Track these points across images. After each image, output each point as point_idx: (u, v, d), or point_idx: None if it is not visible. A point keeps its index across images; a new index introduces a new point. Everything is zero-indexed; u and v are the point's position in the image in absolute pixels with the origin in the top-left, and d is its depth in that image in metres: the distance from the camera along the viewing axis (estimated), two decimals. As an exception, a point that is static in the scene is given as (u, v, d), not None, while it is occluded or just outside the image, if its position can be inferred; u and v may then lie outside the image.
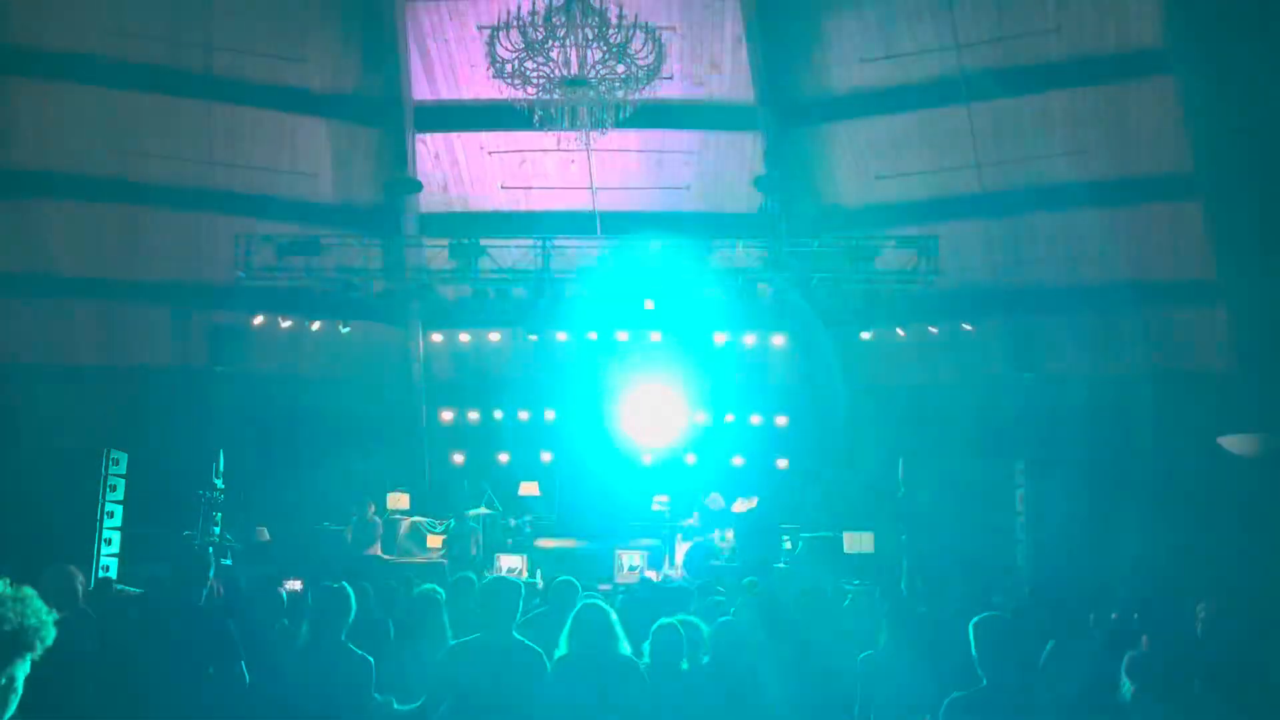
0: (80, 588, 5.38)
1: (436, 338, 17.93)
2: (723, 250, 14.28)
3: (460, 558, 15.15)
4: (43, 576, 5.34)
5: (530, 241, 14.59)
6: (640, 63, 10.47)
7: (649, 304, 14.78)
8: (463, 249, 14.16)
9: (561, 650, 4.97)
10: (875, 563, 14.64)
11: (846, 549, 14.97)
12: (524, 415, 18.43)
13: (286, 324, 16.33)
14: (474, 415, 18.39)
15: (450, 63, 15.50)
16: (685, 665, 5.38)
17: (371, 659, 4.94)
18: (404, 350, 17.80)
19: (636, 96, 10.89)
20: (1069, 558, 11.69)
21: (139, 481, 13.43)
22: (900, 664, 5.82)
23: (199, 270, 16.23)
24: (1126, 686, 4.66)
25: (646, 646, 5.33)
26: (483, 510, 16.05)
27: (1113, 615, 8.34)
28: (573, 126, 11.07)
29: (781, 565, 14.89)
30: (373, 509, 14.67)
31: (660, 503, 16.56)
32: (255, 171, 16.01)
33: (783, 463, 17.90)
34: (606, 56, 10.37)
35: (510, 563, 15.22)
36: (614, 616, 5.06)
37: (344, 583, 5.27)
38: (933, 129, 14.99)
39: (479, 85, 15.19)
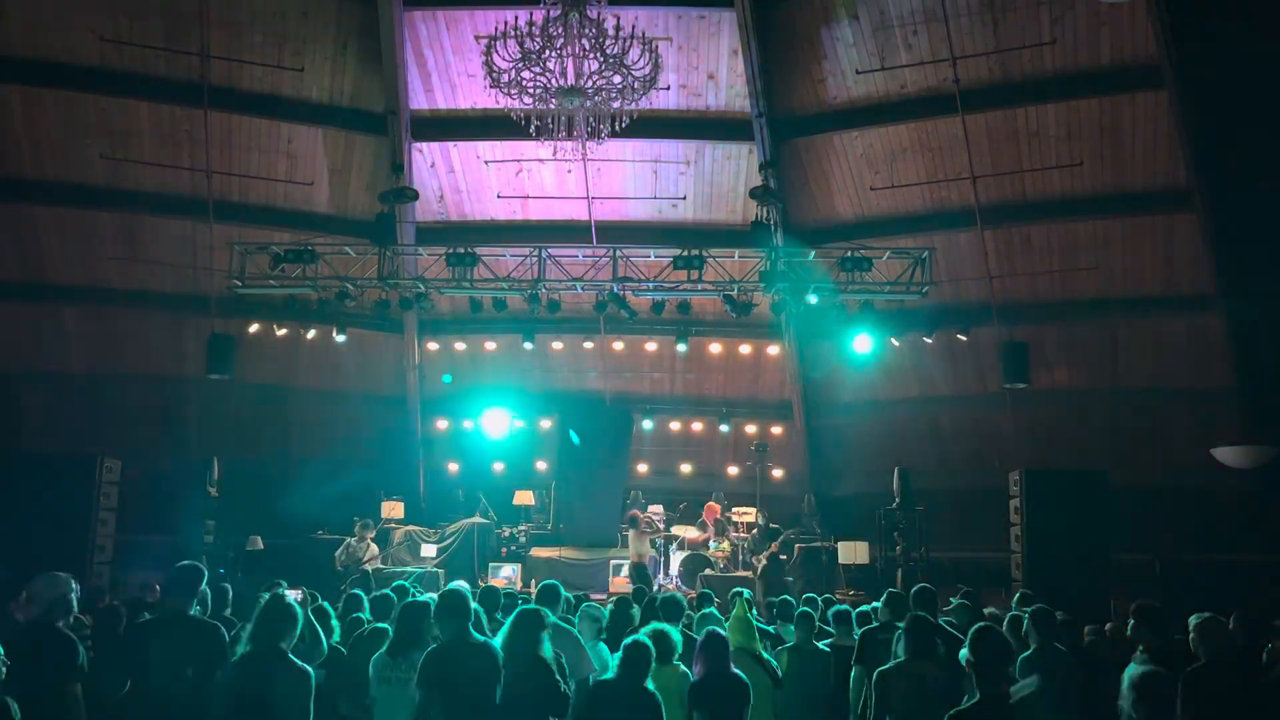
0: (73, 596, 5.34)
1: (432, 346, 17.95)
2: (717, 260, 14.31)
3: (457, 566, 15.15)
4: (32, 583, 5.30)
5: (526, 251, 14.60)
6: (636, 73, 10.49)
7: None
8: (458, 258, 14.18)
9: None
10: (870, 573, 14.66)
11: (841, 559, 14.97)
12: (519, 424, 18.44)
13: (282, 332, 16.33)
14: (469, 424, 18.39)
15: (447, 72, 15.54)
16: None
17: (311, 670, 4.92)
18: (399, 359, 17.81)
19: (633, 107, 10.90)
20: (1064, 568, 11.69)
21: (133, 489, 13.39)
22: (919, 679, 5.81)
23: (194, 278, 16.22)
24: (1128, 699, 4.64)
25: (615, 659, 5.39)
26: (477, 519, 16.02)
27: (1107, 626, 8.36)
28: (569, 137, 11.08)
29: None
30: (371, 534, 14.37)
31: (655, 513, 16.55)
32: (251, 180, 16.04)
33: (778, 473, 17.92)
34: (603, 67, 10.39)
35: (504, 572, 15.22)
36: (544, 620, 5.30)
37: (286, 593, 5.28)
38: (928, 141, 15.05)
39: (476, 95, 15.24)
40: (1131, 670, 4.64)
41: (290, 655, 4.87)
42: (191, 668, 5.05)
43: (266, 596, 5.16)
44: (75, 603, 5.42)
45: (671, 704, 5.48)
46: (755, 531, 14.88)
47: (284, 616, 4.94)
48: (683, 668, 5.84)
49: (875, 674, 5.82)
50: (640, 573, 14.21)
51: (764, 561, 14.30)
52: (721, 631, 5.90)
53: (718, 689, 5.46)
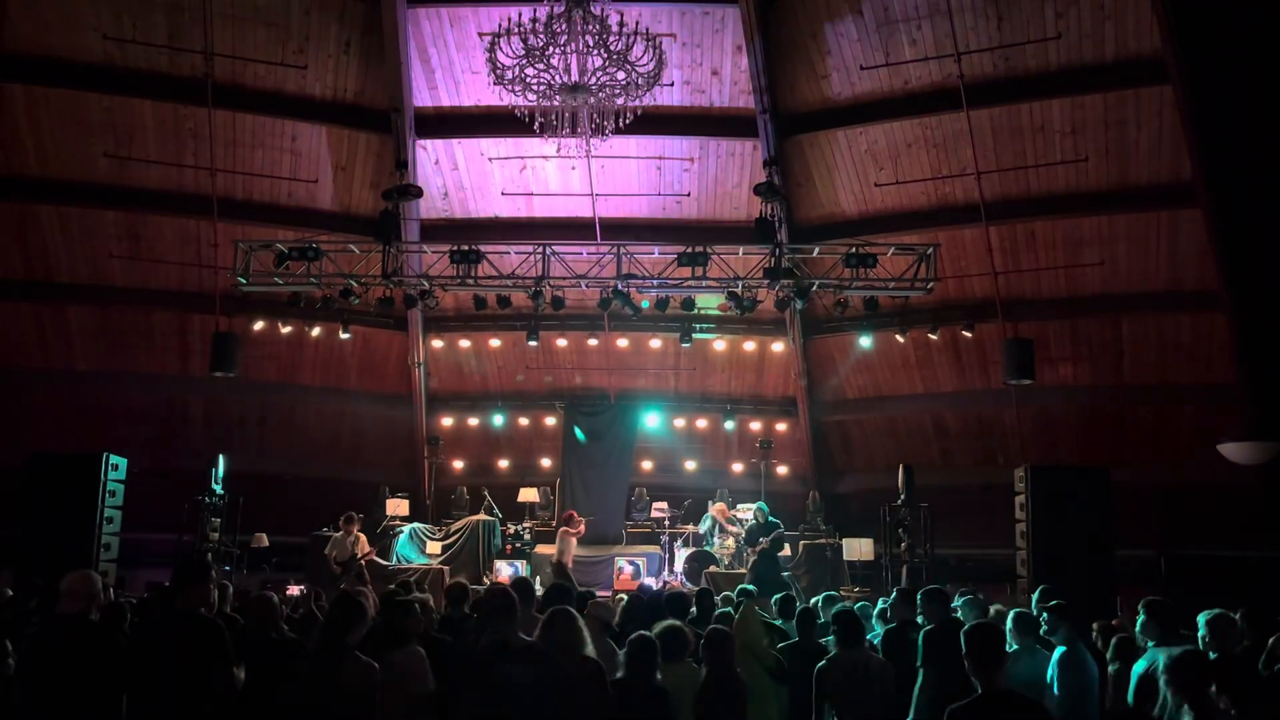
0: (100, 593, 5.40)
1: (436, 344, 17.94)
2: (722, 257, 14.30)
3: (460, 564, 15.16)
4: (65, 580, 5.35)
5: (530, 248, 14.59)
6: (640, 70, 10.48)
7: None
8: (462, 255, 14.16)
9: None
10: (875, 570, 14.65)
11: (846, 556, 14.97)
12: (524, 421, 18.44)
13: (286, 330, 16.34)
14: (474, 421, 18.40)
15: (451, 69, 15.52)
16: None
17: (377, 665, 4.96)
18: (404, 356, 17.80)
19: (636, 103, 10.89)
20: (1070, 565, 11.67)
21: (138, 486, 13.40)
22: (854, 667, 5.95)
23: (199, 276, 16.24)
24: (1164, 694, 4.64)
25: (621, 656, 5.38)
26: (482, 516, 16.03)
27: (1114, 622, 8.35)
28: (573, 133, 11.07)
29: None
30: (356, 526, 14.22)
31: (660, 510, 16.55)
32: (255, 178, 16.04)
33: (782, 470, 17.92)
34: (607, 63, 10.38)
35: (509, 570, 15.22)
36: (581, 620, 5.21)
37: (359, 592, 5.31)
38: (932, 136, 15.02)
39: (479, 92, 15.23)
40: (1169, 652, 4.65)
41: (356, 651, 4.91)
42: (192, 665, 5.07)
43: (341, 597, 5.24)
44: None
45: (685, 702, 5.47)
46: (750, 524, 14.80)
47: (351, 613, 5.00)
48: (695, 665, 5.82)
49: (815, 669, 6.05)
50: (560, 570, 14.15)
51: (754, 557, 14.23)
52: (726, 630, 5.90)
53: (719, 689, 5.47)
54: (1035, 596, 7.58)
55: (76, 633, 5.15)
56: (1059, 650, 6.30)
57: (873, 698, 5.92)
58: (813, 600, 8.69)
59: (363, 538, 14.08)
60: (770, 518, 14.52)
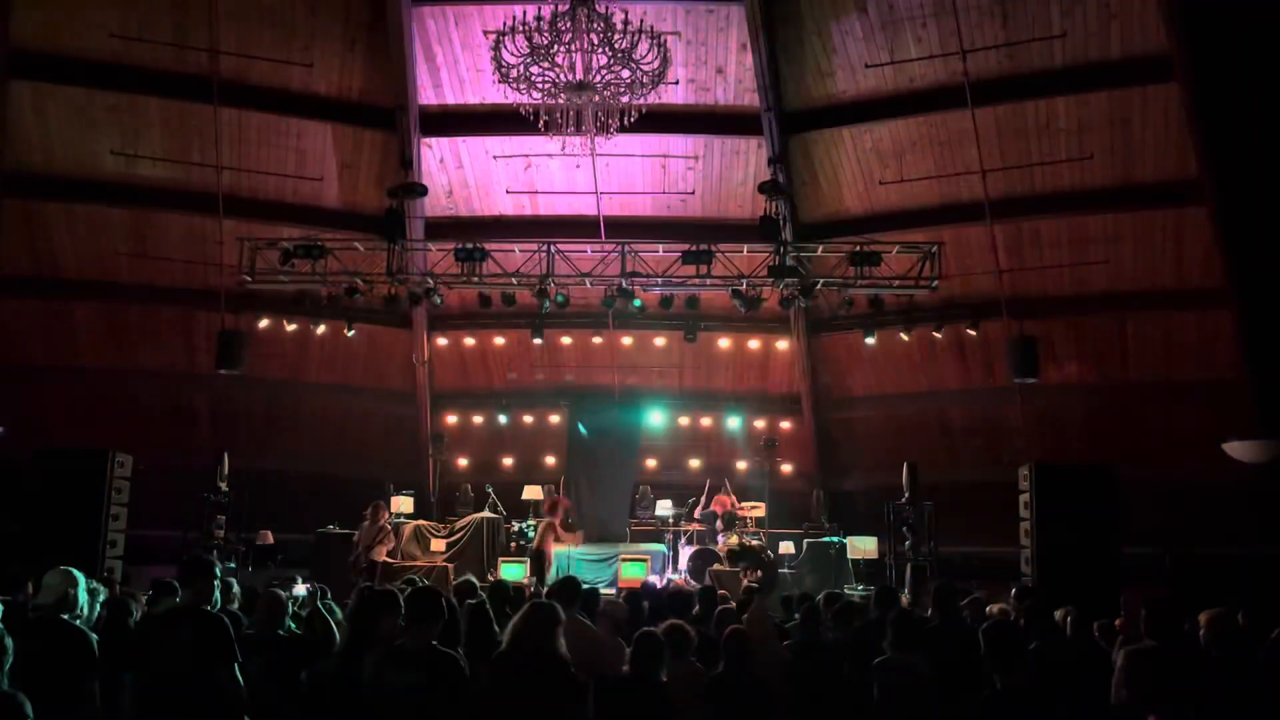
0: (80, 591, 5.43)
1: (441, 341, 17.97)
2: (726, 255, 14.30)
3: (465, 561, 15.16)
4: (43, 579, 5.40)
5: (534, 246, 14.60)
6: (645, 68, 10.50)
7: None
8: (467, 253, 14.19)
9: (501, 646, 5.10)
10: (879, 568, 14.65)
11: (851, 554, 14.97)
12: (528, 419, 18.46)
13: (291, 327, 16.37)
14: (478, 419, 18.43)
15: (456, 67, 15.55)
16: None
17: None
18: (408, 354, 17.83)
19: (641, 102, 10.92)
20: (1074, 563, 11.66)
21: (144, 484, 13.45)
22: (908, 669, 5.90)
23: (204, 273, 16.28)
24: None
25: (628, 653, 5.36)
26: (486, 514, 16.05)
27: (1116, 621, 8.34)
28: (577, 132, 11.10)
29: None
30: (385, 515, 14.40)
31: (664, 507, 16.55)
32: (261, 176, 16.07)
33: (787, 468, 17.92)
34: (611, 62, 10.41)
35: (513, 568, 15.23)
36: (555, 616, 5.08)
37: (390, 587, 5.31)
38: (937, 135, 15.01)
39: (484, 90, 15.24)
40: (1130, 651, 4.68)
41: (386, 646, 4.88)
42: (196, 661, 5.09)
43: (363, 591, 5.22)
44: (84, 597, 5.49)
45: (688, 700, 5.47)
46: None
47: (379, 607, 4.98)
48: (697, 664, 5.84)
49: (875, 663, 5.99)
50: (538, 559, 14.07)
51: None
52: (742, 628, 5.92)
53: (738, 686, 5.48)
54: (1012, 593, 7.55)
55: (47, 630, 5.19)
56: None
57: (923, 699, 5.85)
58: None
59: (389, 533, 14.09)
60: (751, 544, 14.49)
